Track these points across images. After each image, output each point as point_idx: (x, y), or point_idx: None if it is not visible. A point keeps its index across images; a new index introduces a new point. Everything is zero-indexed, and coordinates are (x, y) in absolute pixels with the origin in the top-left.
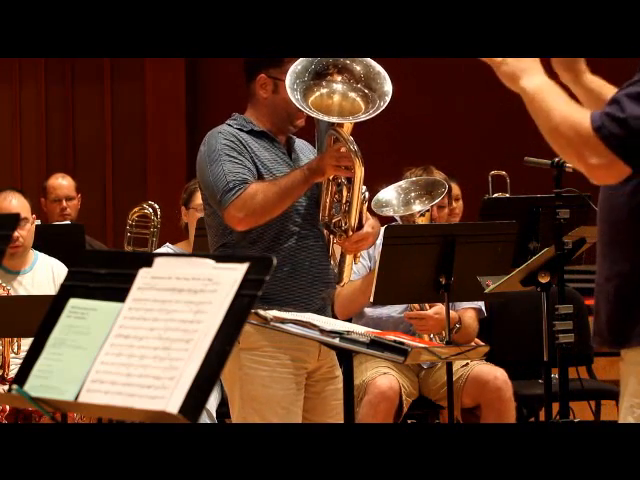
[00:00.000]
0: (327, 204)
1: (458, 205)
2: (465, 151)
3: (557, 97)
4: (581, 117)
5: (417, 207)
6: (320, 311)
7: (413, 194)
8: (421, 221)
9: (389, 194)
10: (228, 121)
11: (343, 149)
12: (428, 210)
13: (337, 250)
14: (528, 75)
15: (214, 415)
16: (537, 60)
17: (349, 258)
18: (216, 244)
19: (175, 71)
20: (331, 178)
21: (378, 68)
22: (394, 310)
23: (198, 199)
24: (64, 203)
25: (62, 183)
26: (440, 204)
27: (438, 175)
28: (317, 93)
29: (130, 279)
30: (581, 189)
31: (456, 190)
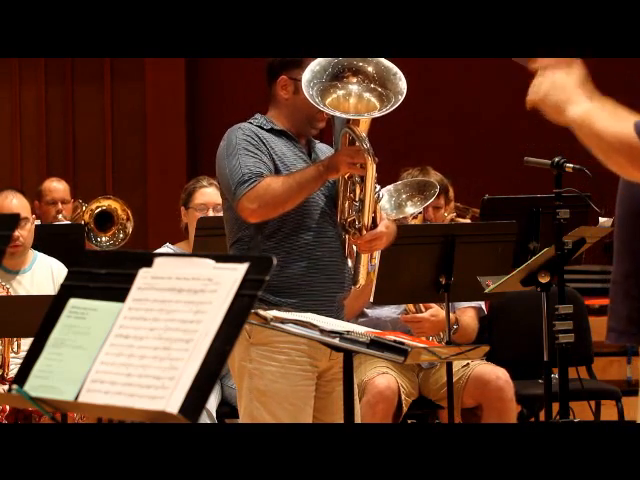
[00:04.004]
0: (344, 205)
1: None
2: (465, 151)
3: (604, 118)
4: (629, 130)
5: (409, 209)
6: (338, 311)
7: (404, 196)
8: (414, 223)
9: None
10: (249, 120)
11: (357, 147)
12: (420, 212)
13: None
14: (572, 104)
15: (214, 415)
16: (577, 87)
17: (364, 258)
18: (232, 238)
19: (175, 71)
20: (346, 177)
21: (394, 69)
22: (393, 310)
23: (197, 199)
24: (59, 205)
25: (58, 186)
26: (436, 205)
27: (435, 176)
28: (334, 95)
29: (130, 279)
30: (581, 189)
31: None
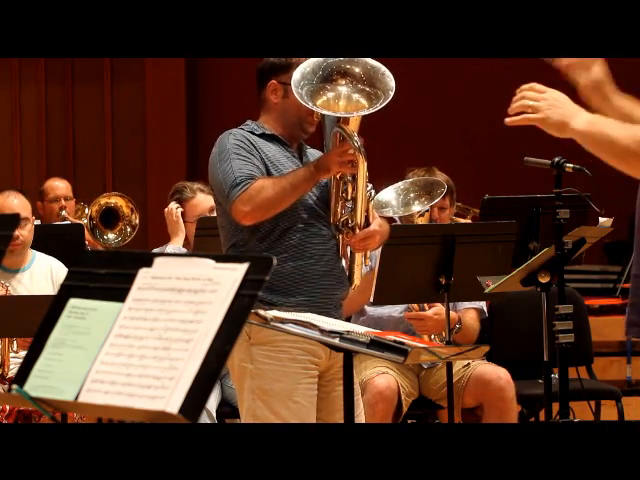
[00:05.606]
0: (337, 207)
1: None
2: (465, 151)
3: (611, 124)
4: None
5: (416, 208)
6: (335, 310)
7: (412, 195)
8: (420, 221)
9: (388, 195)
10: (240, 126)
11: (347, 146)
12: (427, 210)
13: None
14: (574, 118)
15: (214, 415)
16: (575, 105)
17: (359, 258)
18: (227, 243)
19: (175, 71)
20: (338, 177)
21: (382, 68)
22: (395, 310)
23: (191, 212)
24: (63, 202)
25: (60, 184)
26: (441, 206)
27: (440, 176)
28: (323, 97)
29: (130, 279)
30: (581, 189)
31: None
